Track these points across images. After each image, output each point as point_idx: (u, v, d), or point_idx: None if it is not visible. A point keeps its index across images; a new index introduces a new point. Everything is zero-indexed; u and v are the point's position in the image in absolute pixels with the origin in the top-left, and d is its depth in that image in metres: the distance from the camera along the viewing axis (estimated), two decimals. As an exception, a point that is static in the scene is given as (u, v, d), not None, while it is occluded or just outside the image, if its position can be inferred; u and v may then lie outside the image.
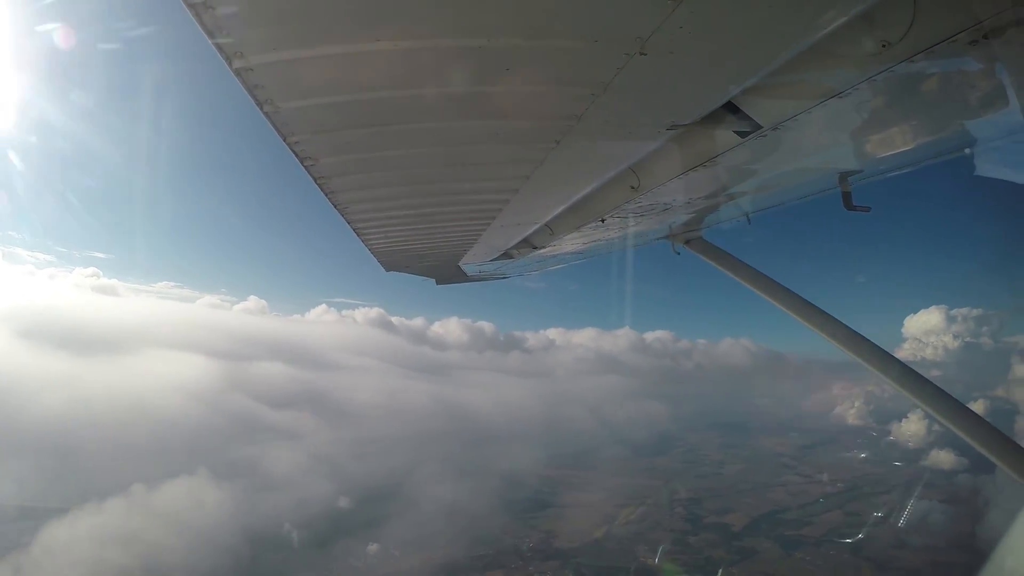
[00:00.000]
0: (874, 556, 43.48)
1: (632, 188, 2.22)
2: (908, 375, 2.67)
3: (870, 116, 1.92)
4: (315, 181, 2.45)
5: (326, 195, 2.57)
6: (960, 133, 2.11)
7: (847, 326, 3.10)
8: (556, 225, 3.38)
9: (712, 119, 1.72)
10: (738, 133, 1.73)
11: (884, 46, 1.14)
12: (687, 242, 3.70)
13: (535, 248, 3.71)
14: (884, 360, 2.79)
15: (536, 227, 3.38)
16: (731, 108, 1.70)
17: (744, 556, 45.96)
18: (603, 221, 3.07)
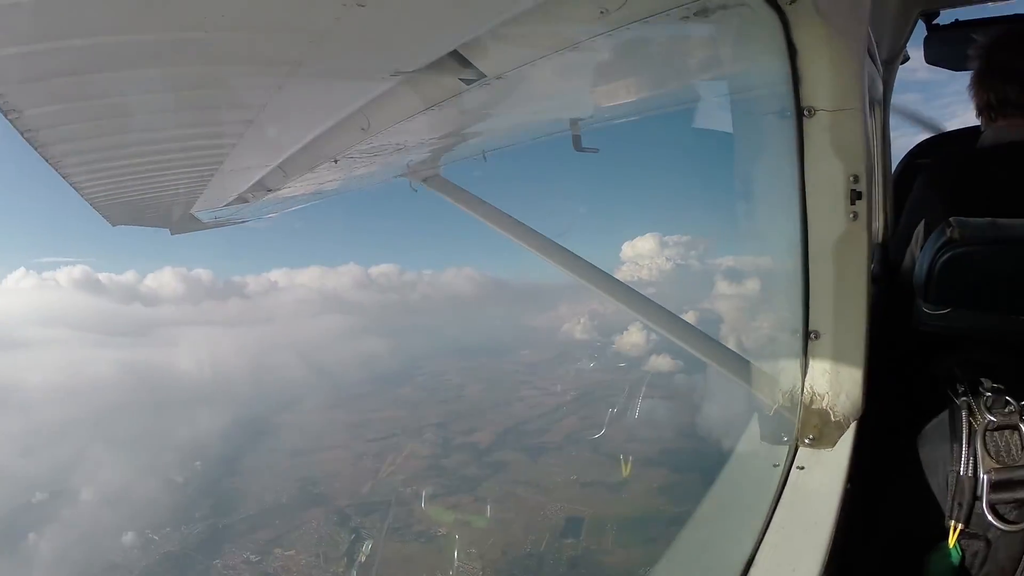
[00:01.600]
0: (611, 451, 49.92)
1: (362, 130, 2.20)
2: (627, 293, 3.05)
3: (595, 70, 2.06)
4: (21, 135, 1.99)
5: (36, 149, 2.11)
6: (675, 91, 2.38)
7: (572, 252, 3.45)
8: (289, 167, 3.22)
9: (438, 66, 1.72)
10: (463, 80, 1.76)
11: (602, 12, 1.21)
12: (424, 180, 3.77)
13: (270, 191, 3.48)
14: (605, 281, 3.18)
15: (269, 169, 3.17)
16: (457, 57, 1.71)
17: (496, 470, 50.22)
18: (336, 162, 2.99)
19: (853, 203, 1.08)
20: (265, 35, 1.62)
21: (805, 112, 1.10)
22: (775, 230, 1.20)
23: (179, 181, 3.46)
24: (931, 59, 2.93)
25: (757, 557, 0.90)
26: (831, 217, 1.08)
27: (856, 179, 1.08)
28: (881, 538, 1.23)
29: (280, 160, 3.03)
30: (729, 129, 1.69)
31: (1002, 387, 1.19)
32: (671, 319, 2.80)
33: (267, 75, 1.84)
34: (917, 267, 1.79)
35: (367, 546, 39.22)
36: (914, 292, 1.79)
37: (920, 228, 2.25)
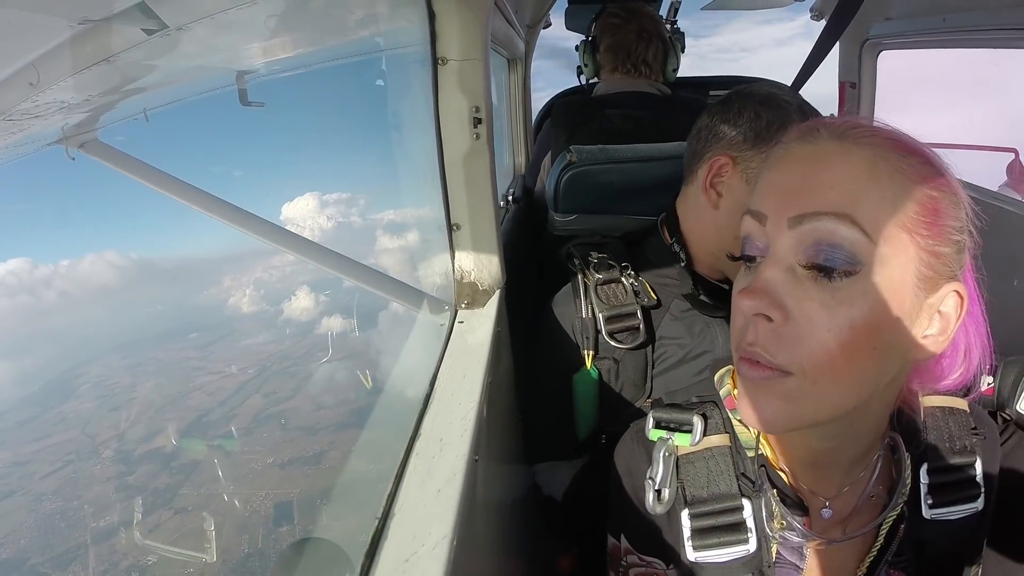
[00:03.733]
0: (302, 424, 47.92)
1: (31, 85, 1.92)
2: (306, 245, 3.10)
3: (264, 24, 2.14)
4: None
5: None
6: (333, 49, 2.54)
7: (245, 210, 3.36)
8: None
9: (125, 15, 1.66)
10: (145, 31, 1.72)
11: None
12: (82, 146, 3.28)
13: None
14: (290, 239, 3.15)
15: None
16: (142, 7, 1.67)
17: (189, 473, 44.78)
18: None
19: (475, 127, 1.44)
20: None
21: (439, 61, 1.41)
22: (420, 155, 1.52)
23: None
24: (570, 26, 3.46)
25: (432, 393, 1.15)
26: (460, 138, 1.43)
27: (477, 109, 1.44)
28: (536, 369, 1.60)
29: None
30: (381, 81, 1.98)
31: (606, 255, 1.55)
32: (343, 261, 2.99)
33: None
34: (548, 186, 2.33)
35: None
36: (546, 207, 2.32)
37: (547, 158, 2.86)
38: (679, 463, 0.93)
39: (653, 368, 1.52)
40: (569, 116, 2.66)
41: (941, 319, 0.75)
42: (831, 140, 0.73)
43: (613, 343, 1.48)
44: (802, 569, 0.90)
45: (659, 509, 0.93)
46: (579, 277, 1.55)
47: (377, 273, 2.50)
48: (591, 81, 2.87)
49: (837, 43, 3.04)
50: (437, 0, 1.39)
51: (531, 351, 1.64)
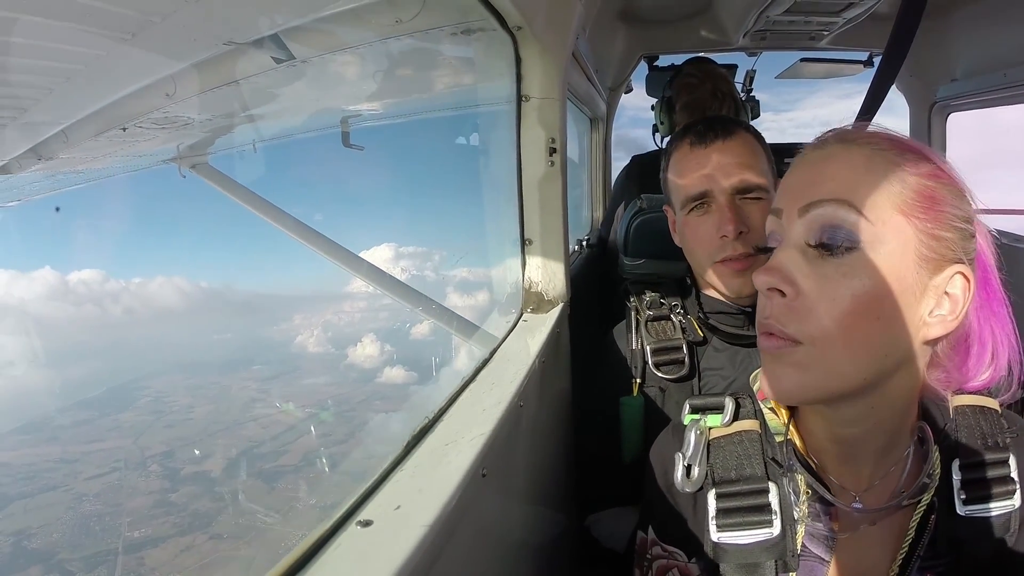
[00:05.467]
0: (349, 468, 47.39)
1: (167, 95, 2.26)
2: (389, 280, 3.24)
3: (375, 70, 2.42)
4: None
5: None
6: (438, 97, 2.84)
7: (337, 242, 3.53)
8: (74, 131, 2.96)
9: (260, 43, 1.96)
10: (275, 59, 2.02)
11: (397, 21, 1.62)
12: (194, 166, 3.68)
13: (40, 159, 3.07)
14: (370, 270, 3.30)
15: (53, 130, 2.87)
16: (275, 38, 1.96)
17: (229, 501, 45.37)
18: (124, 130, 2.86)
19: (551, 155, 1.67)
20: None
21: (523, 99, 1.65)
22: (502, 178, 1.76)
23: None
24: (650, 92, 3.60)
25: (477, 376, 1.25)
26: (536, 164, 1.65)
27: (553, 140, 1.66)
28: (591, 389, 1.73)
29: (72, 120, 2.75)
30: (473, 120, 2.24)
31: (659, 294, 1.70)
32: (421, 298, 3.11)
33: (97, 28, 1.80)
34: (620, 232, 2.49)
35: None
36: (618, 254, 2.47)
37: (621, 207, 3.05)
38: (710, 447, 0.95)
39: None
40: (644, 169, 2.87)
41: (950, 300, 0.80)
42: (836, 143, 0.84)
43: (659, 374, 1.57)
44: (828, 562, 0.89)
45: (688, 488, 0.94)
46: (632, 312, 1.70)
47: (448, 310, 2.70)
48: (667, 139, 3.05)
49: (908, 108, 3.11)
50: (523, 47, 1.66)
51: (588, 379, 1.78)
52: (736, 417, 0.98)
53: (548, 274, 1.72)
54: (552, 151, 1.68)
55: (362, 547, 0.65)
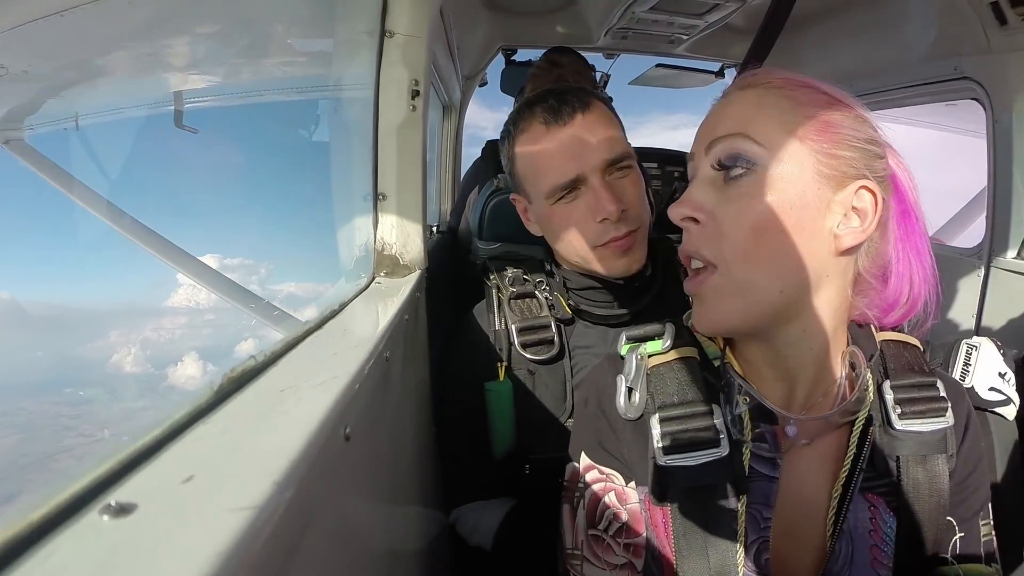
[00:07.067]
0: None
1: None
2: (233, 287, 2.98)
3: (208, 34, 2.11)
4: None
5: None
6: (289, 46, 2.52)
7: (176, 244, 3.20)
8: None
9: None
10: None
11: None
12: (7, 142, 2.98)
13: None
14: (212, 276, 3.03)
15: None
16: None
17: None
18: None
19: (413, 98, 1.45)
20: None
21: (387, 34, 1.44)
22: (357, 120, 1.51)
23: None
24: (505, 88, 3.55)
25: (325, 324, 1.03)
26: (396, 106, 1.43)
27: (416, 82, 1.45)
28: (449, 381, 1.55)
29: None
30: (326, 56, 1.95)
31: (521, 270, 1.58)
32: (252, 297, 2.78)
33: None
34: (474, 216, 2.32)
35: None
36: (472, 238, 2.30)
37: (474, 192, 2.88)
38: (649, 376, 0.97)
39: (572, 379, 1.49)
40: (496, 151, 2.72)
41: (859, 215, 0.85)
42: (734, 90, 0.91)
43: (527, 355, 1.46)
44: (776, 479, 0.91)
45: (631, 413, 0.96)
46: (493, 291, 1.56)
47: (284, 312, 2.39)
48: None
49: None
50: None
51: (445, 365, 1.59)
52: (675, 345, 1.00)
53: (404, 235, 1.48)
54: (415, 93, 1.46)
55: (109, 547, 0.36)
